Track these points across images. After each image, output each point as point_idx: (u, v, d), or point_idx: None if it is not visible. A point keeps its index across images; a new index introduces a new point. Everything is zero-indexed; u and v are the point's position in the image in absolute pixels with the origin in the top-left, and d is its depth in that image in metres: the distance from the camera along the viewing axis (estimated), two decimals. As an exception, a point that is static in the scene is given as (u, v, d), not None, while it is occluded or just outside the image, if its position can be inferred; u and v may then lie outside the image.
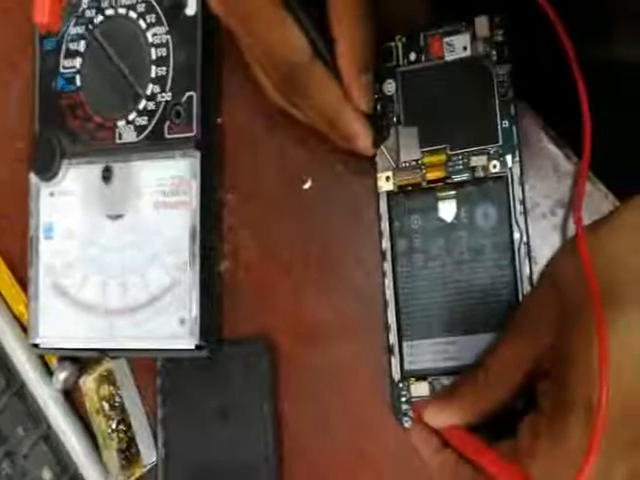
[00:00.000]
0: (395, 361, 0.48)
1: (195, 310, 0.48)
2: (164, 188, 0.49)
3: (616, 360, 0.35)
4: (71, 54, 0.52)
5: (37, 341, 0.52)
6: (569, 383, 0.37)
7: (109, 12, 0.51)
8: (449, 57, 0.48)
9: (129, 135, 0.50)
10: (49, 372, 0.54)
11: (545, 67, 0.49)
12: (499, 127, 0.46)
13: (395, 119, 0.49)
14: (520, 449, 0.38)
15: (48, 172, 0.51)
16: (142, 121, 0.50)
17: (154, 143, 0.50)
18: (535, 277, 0.45)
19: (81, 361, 0.54)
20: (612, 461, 0.36)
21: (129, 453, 0.52)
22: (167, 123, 0.49)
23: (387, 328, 0.48)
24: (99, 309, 0.50)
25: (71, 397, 0.54)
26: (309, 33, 0.42)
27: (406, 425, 0.48)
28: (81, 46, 0.52)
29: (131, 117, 0.50)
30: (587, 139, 0.45)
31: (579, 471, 0.35)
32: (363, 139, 0.44)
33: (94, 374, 0.52)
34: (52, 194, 0.52)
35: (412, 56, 0.48)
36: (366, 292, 0.49)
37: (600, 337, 0.36)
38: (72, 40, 0.52)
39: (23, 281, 0.55)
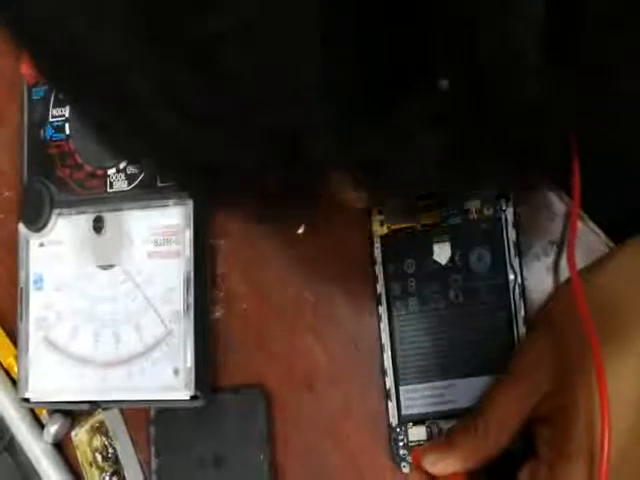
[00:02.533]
0: (392, 405, 0.48)
1: (190, 360, 0.48)
2: (157, 237, 0.49)
3: (612, 407, 0.35)
4: (60, 102, 0.52)
5: (27, 395, 0.51)
6: (570, 433, 0.37)
7: (98, 61, 0.51)
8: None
9: (120, 184, 0.50)
10: (40, 425, 0.53)
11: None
12: (491, 171, 0.47)
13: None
14: None
15: (38, 223, 0.51)
16: (133, 169, 0.50)
17: (146, 192, 0.49)
18: (530, 318, 0.45)
19: (73, 413, 0.53)
20: None
21: (123, 506, 0.51)
22: (159, 171, 0.49)
23: (383, 372, 0.48)
24: (91, 361, 0.49)
25: (62, 449, 0.53)
26: None
27: (404, 470, 0.47)
28: (70, 95, 0.51)
29: (122, 165, 0.50)
30: (576, 178, 0.45)
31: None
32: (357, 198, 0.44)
33: (86, 426, 0.51)
34: (42, 244, 0.51)
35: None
36: (361, 336, 0.49)
37: (600, 385, 0.36)
38: (61, 89, 0.52)
39: (12, 333, 0.54)
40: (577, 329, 0.38)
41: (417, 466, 0.44)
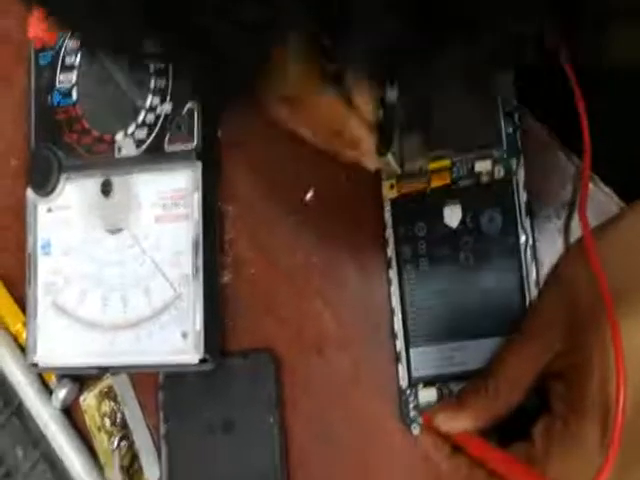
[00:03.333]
0: (402, 368, 0.48)
1: (198, 324, 0.47)
2: (165, 201, 0.49)
3: (628, 362, 0.35)
4: (67, 68, 0.52)
5: (35, 360, 0.51)
6: (585, 386, 0.37)
7: (106, 24, 0.50)
8: (450, 63, 0.48)
9: (128, 148, 0.50)
10: (48, 391, 0.53)
11: (546, 73, 0.49)
12: (503, 132, 0.46)
13: (398, 127, 0.48)
14: (535, 452, 0.38)
15: (45, 187, 0.51)
16: (141, 134, 0.49)
17: (154, 156, 0.49)
18: (542, 280, 0.45)
19: (81, 378, 0.53)
20: (629, 461, 0.36)
21: (132, 470, 0.51)
22: (167, 135, 0.49)
23: (393, 335, 0.48)
24: (100, 325, 0.49)
25: (71, 415, 0.53)
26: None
27: (414, 432, 0.47)
28: (77, 59, 0.51)
29: (130, 130, 0.50)
30: (586, 138, 0.45)
31: (600, 471, 0.35)
32: (368, 144, 0.44)
33: (94, 391, 0.51)
34: (50, 210, 0.51)
35: (413, 63, 0.49)
36: (371, 300, 0.49)
37: (615, 340, 0.35)
38: (68, 54, 0.51)
39: (20, 300, 0.54)
40: (589, 286, 0.38)
41: (427, 427, 0.43)
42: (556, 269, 0.42)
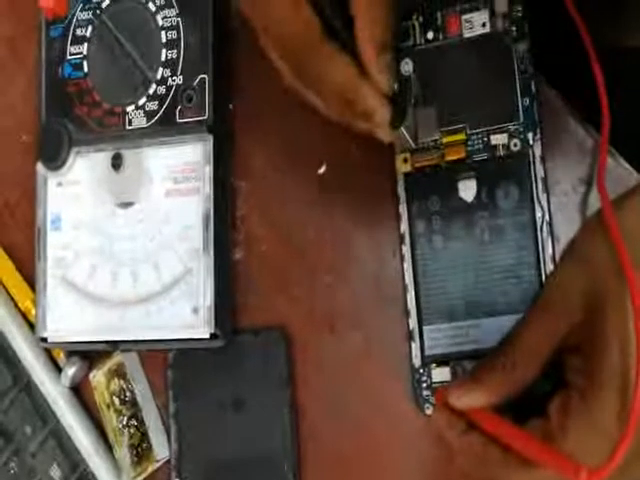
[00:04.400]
0: (415, 346, 0.47)
1: (209, 298, 0.47)
2: (176, 175, 0.48)
3: None
4: (78, 40, 0.51)
5: (45, 335, 0.50)
6: (603, 358, 0.35)
7: (117, -5, 0.50)
8: (467, 34, 0.47)
9: (139, 121, 0.49)
10: (57, 368, 0.52)
11: (563, 43, 0.48)
12: (520, 105, 0.46)
13: (413, 100, 0.48)
14: (551, 427, 0.37)
15: (56, 161, 0.50)
16: (152, 106, 0.49)
17: (165, 128, 0.48)
18: (558, 256, 0.44)
19: (90, 356, 0.52)
20: None
21: (141, 449, 0.50)
22: (178, 107, 0.48)
23: (406, 313, 0.47)
24: (109, 300, 0.49)
25: (80, 392, 0.53)
26: (324, 12, 0.41)
27: (427, 412, 0.46)
28: (88, 31, 0.51)
29: (141, 102, 0.49)
30: (605, 110, 0.44)
31: (617, 445, 0.34)
32: (381, 115, 0.43)
33: (104, 368, 0.50)
34: (60, 184, 0.51)
35: (430, 35, 0.48)
36: (384, 277, 0.48)
37: (636, 310, 0.34)
38: (79, 26, 0.51)
39: (30, 277, 0.53)
40: (609, 256, 0.36)
41: (441, 405, 0.42)
42: (574, 241, 0.40)
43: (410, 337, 0.47)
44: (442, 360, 0.46)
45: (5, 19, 0.57)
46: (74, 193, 0.50)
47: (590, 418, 0.35)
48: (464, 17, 0.47)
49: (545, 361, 0.39)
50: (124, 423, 0.50)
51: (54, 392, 0.51)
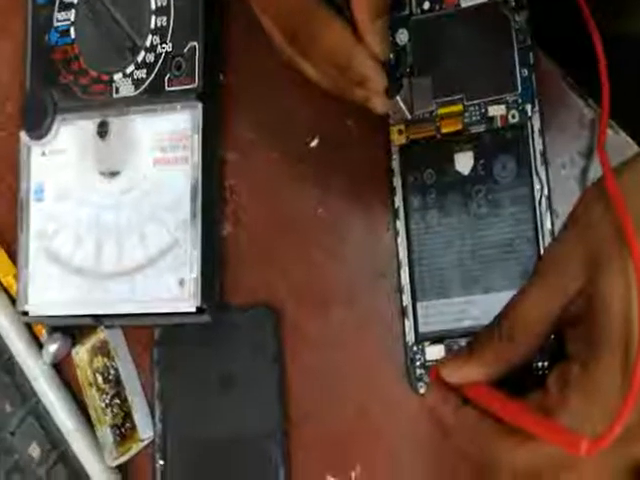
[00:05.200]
0: (409, 323, 0.45)
1: (196, 271, 0.45)
2: (163, 143, 0.47)
3: None
4: (65, 6, 0.50)
5: (26, 308, 0.49)
6: (604, 324, 0.34)
7: (106, -39, 0.49)
8: (465, 4, 0.46)
9: (126, 89, 0.48)
10: (39, 345, 0.51)
11: (562, 14, 0.47)
12: (518, 75, 0.44)
13: (408, 70, 0.47)
14: (550, 399, 0.35)
15: (39, 129, 0.49)
16: (141, 74, 0.47)
17: (153, 96, 0.47)
18: (557, 231, 0.43)
19: (73, 332, 0.50)
20: None
21: (124, 428, 0.48)
22: (167, 75, 0.47)
23: (400, 289, 0.46)
24: (93, 272, 0.47)
25: (62, 370, 0.51)
26: None
27: (421, 390, 0.45)
28: (76, -3, 0.50)
29: (129, 70, 0.48)
30: (604, 78, 0.43)
31: (618, 415, 0.32)
32: (376, 81, 0.42)
33: (87, 344, 0.49)
34: (44, 154, 0.49)
35: (426, 5, 0.47)
36: (377, 253, 0.47)
37: (638, 273, 0.33)
38: (67, -8, 0.50)
39: (13, 253, 0.52)
40: (609, 222, 0.35)
41: (435, 381, 0.41)
42: (573, 210, 0.39)
43: (403, 314, 0.45)
44: (436, 338, 0.45)
45: (-10, -11, 0.56)
46: (58, 162, 0.49)
47: (591, 387, 0.34)
48: (462, -14, 0.46)
49: (544, 334, 0.38)
50: (107, 402, 0.48)
51: (35, 369, 0.50)
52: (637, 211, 0.35)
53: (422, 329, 0.45)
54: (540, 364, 0.42)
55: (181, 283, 0.45)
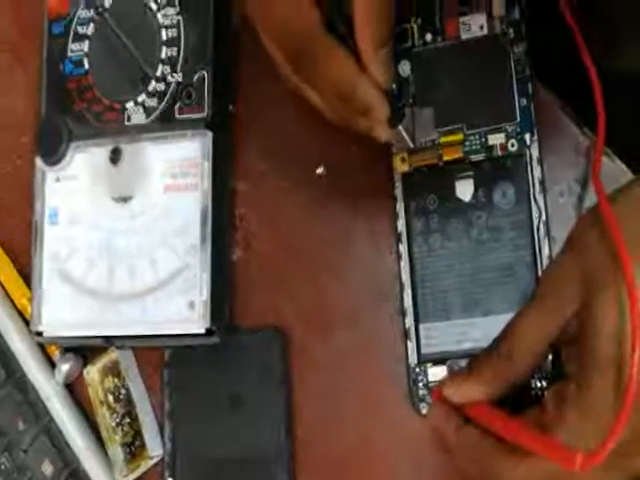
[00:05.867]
0: (411, 345, 0.47)
1: (205, 294, 0.47)
2: (174, 170, 0.48)
3: None
4: (79, 37, 0.51)
5: (40, 329, 0.50)
6: (599, 344, 0.35)
7: (119, -6, 0.51)
8: (465, 36, 0.47)
9: (138, 117, 0.49)
10: (51, 365, 0.52)
11: (559, 46, 0.48)
12: (517, 105, 0.46)
13: (410, 100, 0.48)
14: (547, 416, 0.37)
15: (54, 155, 0.50)
16: (152, 102, 0.49)
17: (164, 124, 0.49)
18: (555, 255, 0.44)
19: (85, 353, 0.52)
20: None
21: (134, 447, 0.49)
22: (178, 104, 0.48)
23: (403, 312, 0.47)
24: (105, 295, 0.48)
25: (74, 389, 0.52)
26: (325, 7, 0.42)
27: (423, 411, 0.46)
28: (90, 29, 0.51)
29: (140, 99, 0.49)
30: (600, 107, 0.44)
31: (610, 432, 0.34)
32: (380, 110, 0.43)
33: (98, 364, 0.50)
34: (58, 179, 0.51)
35: (428, 37, 0.48)
36: (381, 277, 0.48)
37: (631, 297, 0.35)
38: (81, 24, 0.51)
39: (27, 277, 0.53)
40: (604, 246, 0.37)
41: (437, 401, 0.42)
42: (570, 234, 0.41)
43: (406, 336, 0.47)
44: (438, 359, 0.46)
45: (8, 22, 0.57)
46: (72, 188, 0.50)
47: (585, 404, 0.35)
48: (462, 19, 0.48)
49: (542, 353, 0.39)
50: (118, 421, 0.50)
51: (47, 388, 0.51)
52: (631, 236, 0.36)
53: (424, 350, 0.46)
54: (538, 384, 0.43)
55: (191, 305, 0.47)
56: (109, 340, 0.49)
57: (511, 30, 0.46)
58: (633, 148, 0.45)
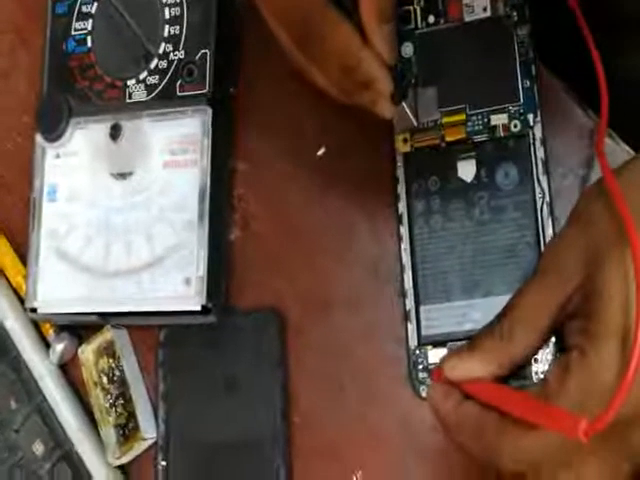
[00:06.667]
0: (412, 327, 0.46)
1: (202, 270, 0.46)
2: (174, 146, 0.48)
3: None
4: (83, 16, 0.51)
5: (35, 305, 0.50)
6: (604, 312, 0.35)
7: (124, -26, 0.51)
8: (468, 18, 0.47)
9: (139, 94, 0.49)
10: (46, 344, 0.51)
11: (563, 28, 0.48)
12: (520, 86, 0.45)
13: (413, 81, 0.48)
14: (550, 387, 0.36)
15: (54, 132, 0.50)
16: (153, 80, 0.49)
17: (165, 101, 0.48)
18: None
19: (80, 333, 0.51)
20: None
21: (127, 429, 0.49)
22: (179, 81, 0.48)
23: (403, 293, 0.46)
24: (101, 271, 0.48)
25: (68, 368, 0.52)
26: None
27: (423, 394, 0.45)
28: (94, 8, 0.51)
29: (142, 76, 0.49)
30: (603, 86, 0.44)
31: (613, 397, 0.33)
32: (383, 83, 0.43)
33: (93, 344, 0.49)
34: (58, 156, 0.51)
35: (431, 19, 0.48)
36: (382, 259, 0.48)
37: (636, 265, 0.34)
38: (85, 3, 0.51)
39: (23, 254, 0.53)
40: (608, 216, 0.36)
41: (437, 380, 0.41)
42: (573, 209, 0.40)
43: (406, 318, 0.46)
44: (438, 341, 0.45)
45: (12, 3, 0.58)
46: (71, 164, 0.50)
47: (590, 372, 0.34)
48: (465, 1, 0.47)
49: (544, 330, 0.38)
50: (111, 402, 0.49)
51: (41, 368, 0.50)
52: (636, 207, 0.36)
53: (425, 332, 0.46)
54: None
55: (187, 282, 0.46)
56: (104, 317, 0.49)
57: (514, 12, 0.46)
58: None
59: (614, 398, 0.32)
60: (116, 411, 0.49)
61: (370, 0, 0.42)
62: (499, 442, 0.38)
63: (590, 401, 0.34)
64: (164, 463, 0.48)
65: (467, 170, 0.46)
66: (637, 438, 0.36)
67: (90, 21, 0.51)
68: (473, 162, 0.46)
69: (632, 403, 0.34)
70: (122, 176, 0.49)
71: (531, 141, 0.45)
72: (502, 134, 0.46)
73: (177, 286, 0.46)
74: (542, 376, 0.39)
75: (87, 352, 0.49)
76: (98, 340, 0.49)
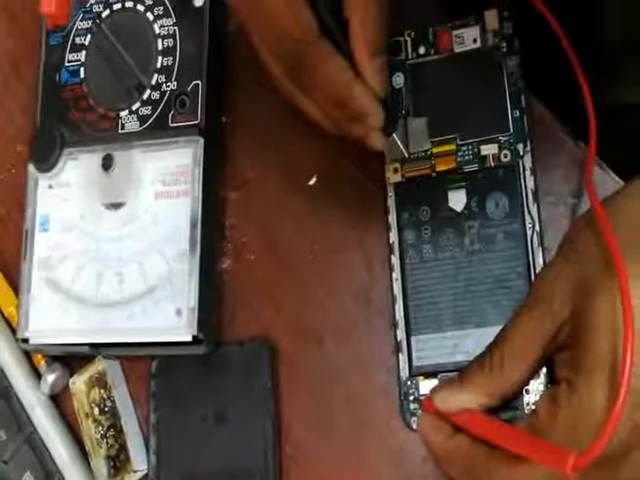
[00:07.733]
0: (403, 358, 0.46)
1: (193, 301, 0.46)
2: (165, 177, 0.48)
3: (637, 322, 0.34)
4: (77, 48, 0.52)
5: (26, 335, 0.50)
6: (592, 346, 0.35)
7: (117, 6, 0.51)
8: (458, 49, 0.48)
9: (132, 125, 0.49)
10: (37, 375, 0.51)
11: (552, 59, 0.48)
12: (510, 117, 0.46)
13: (404, 111, 0.48)
14: (539, 420, 0.36)
15: (47, 162, 0.50)
16: (146, 111, 0.49)
17: (157, 132, 0.49)
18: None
19: (71, 364, 0.51)
20: (635, 413, 0.34)
21: (118, 460, 0.48)
22: (171, 112, 0.49)
23: (394, 324, 0.46)
24: (93, 301, 0.48)
25: (59, 399, 0.51)
26: (321, 14, 0.42)
27: (414, 426, 0.45)
28: (87, 40, 0.52)
29: (135, 107, 0.50)
30: (591, 117, 0.44)
31: (602, 430, 0.33)
32: (374, 117, 0.43)
33: (85, 375, 0.49)
34: (50, 186, 0.51)
35: (421, 50, 0.48)
36: (372, 289, 0.48)
37: (624, 299, 0.34)
38: (79, 34, 0.52)
39: (16, 284, 0.53)
40: (596, 248, 0.36)
41: (427, 410, 0.41)
42: (563, 240, 0.40)
43: (398, 348, 0.46)
44: (430, 372, 0.45)
45: (7, 34, 0.58)
46: (64, 195, 0.50)
47: (578, 405, 0.34)
48: (455, 33, 0.48)
49: (534, 360, 0.38)
50: (102, 433, 0.49)
51: (32, 398, 0.50)
52: (624, 240, 0.36)
53: (416, 363, 0.45)
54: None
55: (178, 312, 0.46)
56: (96, 348, 0.48)
57: (504, 44, 0.47)
58: (629, 165, 0.45)
59: (602, 431, 0.32)
60: (107, 442, 0.49)
61: (361, 33, 0.42)
62: (489, 475, 0.37)
63: (579, 434, 0.34)
64: (155, 495, 0.48)
65: (457, 200, 0.46)
66: (626, 471, 0.35)
67: (84, 52, 0.52)
68: (463, 192, 0.46)
69: (620, 436, 0.34)
70: (114, 206, 0.49)
71: (521, 171, 0.45)
72: (492, 164, 0.46)
73: (168, 317, 0.46)
74: (534, 407, 0.38)
75: (79, 383, 0.49)
76: (90, 371, 0.49)
